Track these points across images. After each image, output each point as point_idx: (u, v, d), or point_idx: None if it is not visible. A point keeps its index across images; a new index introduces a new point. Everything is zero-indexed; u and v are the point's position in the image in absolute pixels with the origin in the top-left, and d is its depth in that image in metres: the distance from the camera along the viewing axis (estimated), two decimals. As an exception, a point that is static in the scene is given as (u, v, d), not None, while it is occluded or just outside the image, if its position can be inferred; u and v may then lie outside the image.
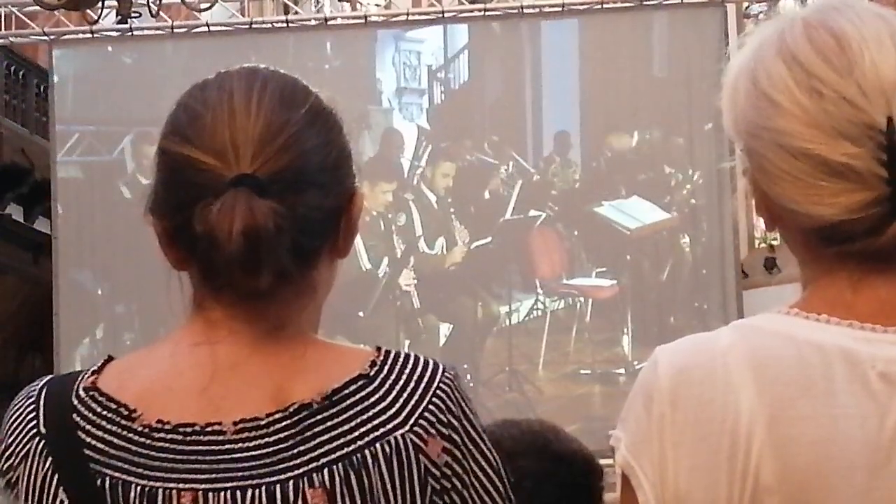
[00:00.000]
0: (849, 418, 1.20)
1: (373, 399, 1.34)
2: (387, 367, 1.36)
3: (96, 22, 9.08)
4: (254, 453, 1.31)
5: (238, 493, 1.30)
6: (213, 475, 1.31)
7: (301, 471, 1.31)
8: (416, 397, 1.34)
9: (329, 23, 9.71)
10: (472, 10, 9.51)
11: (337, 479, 1.30)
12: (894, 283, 1.25)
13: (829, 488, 1.19)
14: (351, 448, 1.31)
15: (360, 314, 9.16)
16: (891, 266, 1.25)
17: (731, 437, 1.22)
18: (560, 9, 9.24)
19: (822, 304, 1.26)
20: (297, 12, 10.08)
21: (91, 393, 1.37)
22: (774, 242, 9.80)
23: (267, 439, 1.31)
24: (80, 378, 1.39)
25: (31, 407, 1.38)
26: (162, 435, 1.32)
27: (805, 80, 1.25)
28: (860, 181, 1.21)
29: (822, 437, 1.20)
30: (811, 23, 1.28)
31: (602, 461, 2.11)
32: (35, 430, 1.37)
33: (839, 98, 1.23)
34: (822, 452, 1.20)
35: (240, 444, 1.31)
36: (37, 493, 1.34)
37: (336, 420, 1.32)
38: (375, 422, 1.33)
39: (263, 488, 1.30)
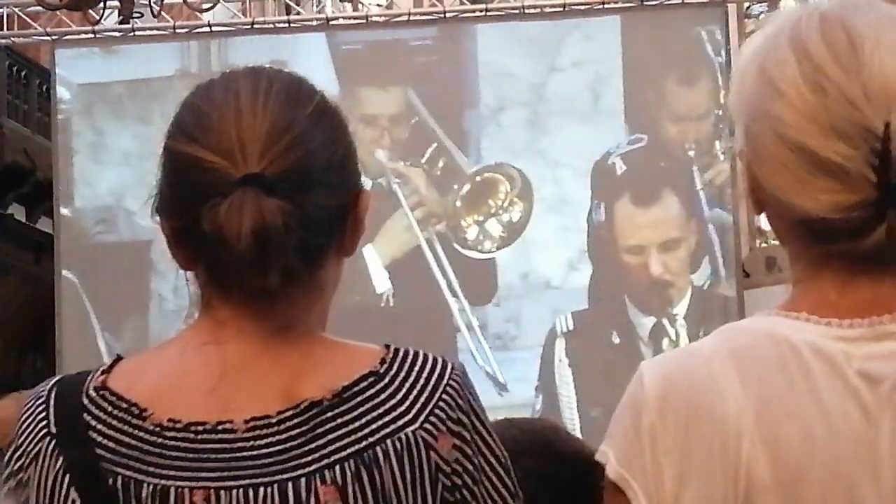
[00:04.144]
0: (833, 413, 1.21)
1: (383, 396, 1.34)
2: (396, 365, 1.36)
3: (98, 22, 9.05)
4: (265, 451, 1.31)
5: (250, 490, 1.30)
6: (225, 473, 1.31)
7: (313, 468, 1.31)
8: (426, 395, 1.35)
9: (331, 23, 9.70)
10: (473, 10, 9.50)
11: (348, 475, 1.31)
12: (879, 284, 1.25)
13: (820, 484, 1.20)
14: (362, 445, 1.32)
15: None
16: (877, 268, 1.25)
17: (722, 438, 1.22)
18: (561, 9, 9.23)
19: (806, 304, 1.27)
20: (298, 12, 10.07)
21: (101, 392, 1.37)
22: (775, 242, 9.77)
23: (278, 437, 1.32)
24: (89, 377, 1.38)
25: (42, 407, 1.38)
26: (173, 433, 1.32)
27: (812, 74, 1.24)
28: (847, 182, 1.21)
29: (810, 433, 1.21)
30: (828, 18, 1.27)
31: (604, 461, 2.11)
32: (46, 430, 1.36)
33: (842, 97, 1.22)
34: (811, 448, 1.20)
35: (251, 442, 1.31)
36: (48, 493, 1.34)
37: (347, 417, 1.32)
38: (386, 419, 1.33)
39: (276, 486, 1.30)
